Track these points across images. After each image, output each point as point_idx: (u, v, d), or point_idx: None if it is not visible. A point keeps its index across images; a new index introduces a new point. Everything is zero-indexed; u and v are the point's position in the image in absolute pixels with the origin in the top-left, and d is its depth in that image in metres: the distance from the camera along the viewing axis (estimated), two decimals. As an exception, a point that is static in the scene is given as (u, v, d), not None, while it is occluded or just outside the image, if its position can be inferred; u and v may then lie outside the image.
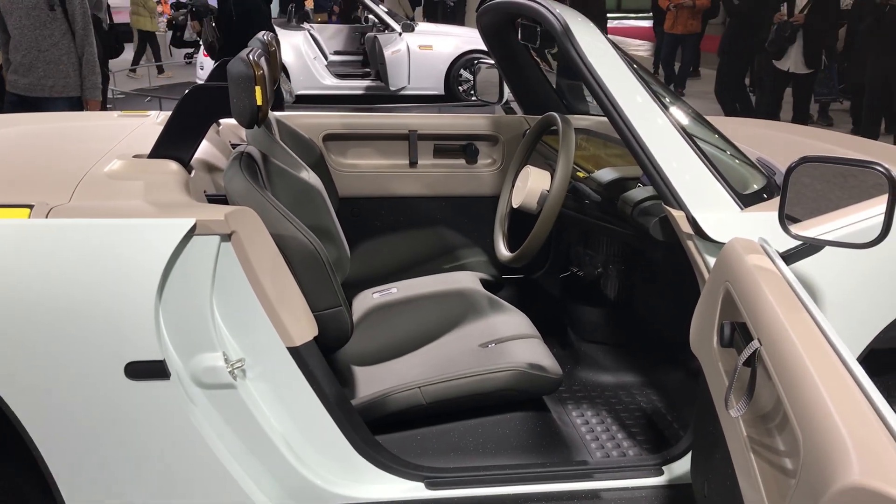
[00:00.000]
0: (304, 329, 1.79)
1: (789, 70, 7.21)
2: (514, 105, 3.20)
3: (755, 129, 3.02)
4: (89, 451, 1.69)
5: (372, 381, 2.15)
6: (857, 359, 1.84)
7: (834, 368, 1.14)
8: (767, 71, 7.68)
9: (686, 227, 1.81)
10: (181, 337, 1.69)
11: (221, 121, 2.70)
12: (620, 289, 2.57)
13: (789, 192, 1.51)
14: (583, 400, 2.43)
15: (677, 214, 1.82)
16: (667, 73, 11.30)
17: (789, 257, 1.64)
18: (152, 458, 1.71)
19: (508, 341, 2.18)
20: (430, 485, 1.90)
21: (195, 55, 11.25)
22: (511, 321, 2.30)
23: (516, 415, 2.09)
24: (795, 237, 1.54)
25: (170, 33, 12.07)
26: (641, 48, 16.36)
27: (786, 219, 1.53)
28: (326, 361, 1.84)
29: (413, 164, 3.00)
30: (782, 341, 1.22)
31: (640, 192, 2.07)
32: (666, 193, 1.82)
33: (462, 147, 3.02)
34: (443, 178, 3.01)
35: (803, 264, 1.77)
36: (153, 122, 2.53)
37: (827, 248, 1.76)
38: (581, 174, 2.43)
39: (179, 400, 1.68)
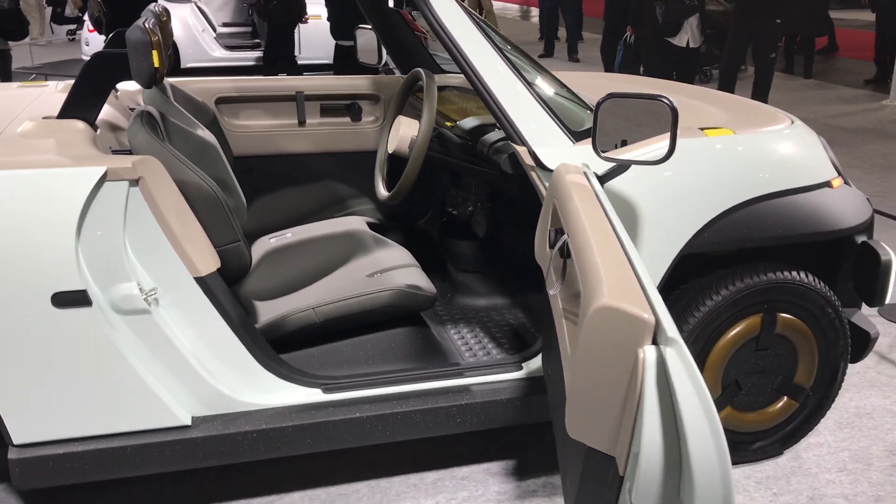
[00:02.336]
0: (208, 261, 2.08)
1: (688, 45, 7.43)
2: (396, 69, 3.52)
3: (603, 80, 3.43)
4: (26, 377, 1.94)
5: (273, 310, 2.45)
6: (672, 262, 2.26)
7: (611, 244, 1.50)
8: (653, 46, 7.81)
9: (528, 160, 2.17)
10: (99, 270, 1.95)
11: (119, 87, 2.91)
12: (489, 224, 2.94)
13: (600, 122, 1.88)
14: (459, 320, 2.79)
15: (521, 150, 2.18)
16: (549, 39, 11.76)
17: (605, 177, 2.03)
18: (82, 377, 1.97)
19: (390, 270, 2.52)
20: (326, 390, 2.22)
21: (78, 31, 11.04)
22: (393, 254, 2.64)
23: (400, 331, 2.43)
24: (605, 159, 1.93)
25: (49, 9, 11.79)
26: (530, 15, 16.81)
27: (599, 145, 1.91)
28: (231, 293, 2.13)
29: (301, 123, 3.28)
30: (579, 230, 1.58)
31: (494, 135, 2.43)
32: (511, 133, 2.18)
33: (346, 106, 3.31)
34: (330, 136, 3.31)
35: (623, 185, 2.17)
36: (53, 90, 2.74)
37: (641, 172, 2.17)
38: (449, 123, 2.77)
39: (101, 324, 1.94)
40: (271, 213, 3.26)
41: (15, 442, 2.00)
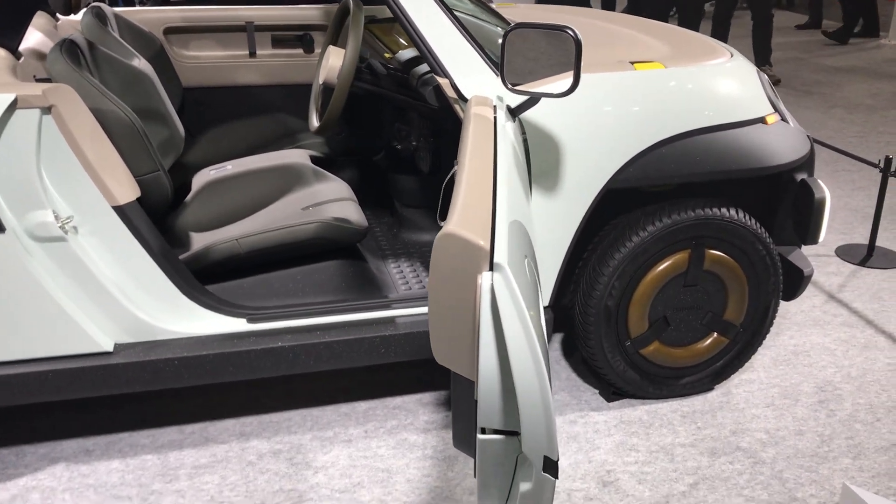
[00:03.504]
0: (127, 191, 2.09)
1: None
2: None
3: (560, 14, 3.37)
4: None
5: (204, 241, 2.47)
6: (596, 197, 2.26)
7: (483, 174, 1.48)
8: None
9: (451, 92, 2.16)
10: (13, 197, 1.96)
11: (61, 18, 2.89)
12: (431, 158, 2.93)
13: (509, 54, 1.86)
14: (401, 254, 2.81)
15: (443, 82, 2.16)
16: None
17: (518, 109, 2.01)
18: (1, 303, 2.00)
19: (326, 203, 2.52)
20: (251, 320, 2.25)
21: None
22: (331, 188, 2.64)
23: (333, 263, 2.45)
24: (512, 90, 1.91)
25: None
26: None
27: (508, 77, 1.89)
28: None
29: (252, 54, 3.26)
30: (463, 161, 1.58)
31: (424, 67, 2.41)
32: (433, 64, 2.16)
33: (298, 37, 3.28)
34: (281, 68, 3.28)
35: (544, 118, 2.16)
36: None
37: (563, 105, 2.16)
38: (388, 55, 2.74)
39: (16, 251, 1.96)
40: (221, 146, 3.26)
41: (-63, 364, 2.05)
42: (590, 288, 2.41)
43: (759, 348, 2.86)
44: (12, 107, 1.91)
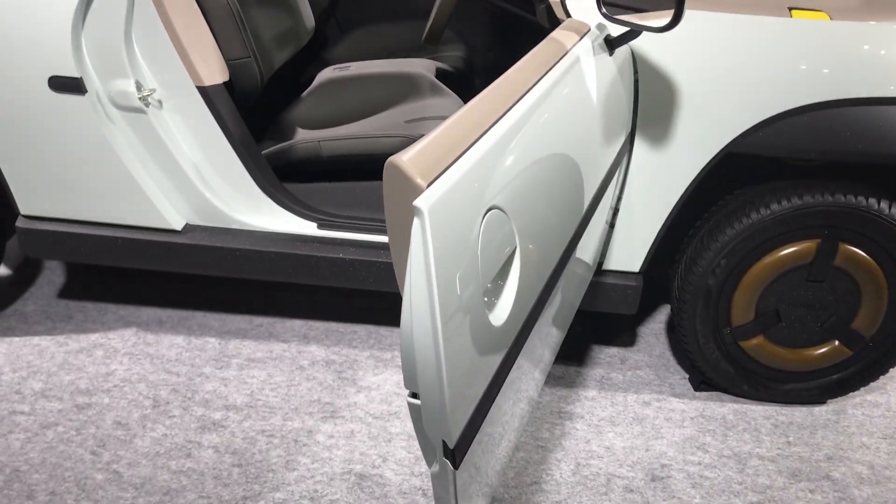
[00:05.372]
0: (215, 72, 2.05)
1: None
2: None
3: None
4: (30, 155, 2.05)
5: (301, 138, 2.41)
6: (714, 159, 1.95)
7: (492, 106, 1.24)
8: None
9: (560, 13, 1.92)
10: (99, 61, 1.98)
11: None
12: None
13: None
14: None
15: (553, 1, 1.92)
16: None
17: (616, 40, 1.74)
18: (78, 164, 2.06)
19: (429, 120, 2.38)
20: (321, 225, 2.18)
21: None
22: (442, 104, 2.48)
23: None
24: (605, 16, 1.65)
25: None
26: None
27: (603, 2, 1.63)
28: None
29: None
30: (489, 87, 1.36)
31: None
32: None
33: None
34: None
35: (664, 58, 1.87)
36: None
37: (692, 45, 1.86)
38: None
39: (97, 115, 1.99)
40: (368, 45, 3.17)
41: (22, 212, 2.15)
42: (692, 261, 2.12)
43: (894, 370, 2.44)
44: (106, -29, 1.90)
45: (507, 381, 1.22)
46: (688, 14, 1.90)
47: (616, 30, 1.78)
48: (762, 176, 2.13)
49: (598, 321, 2.55)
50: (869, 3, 2.10)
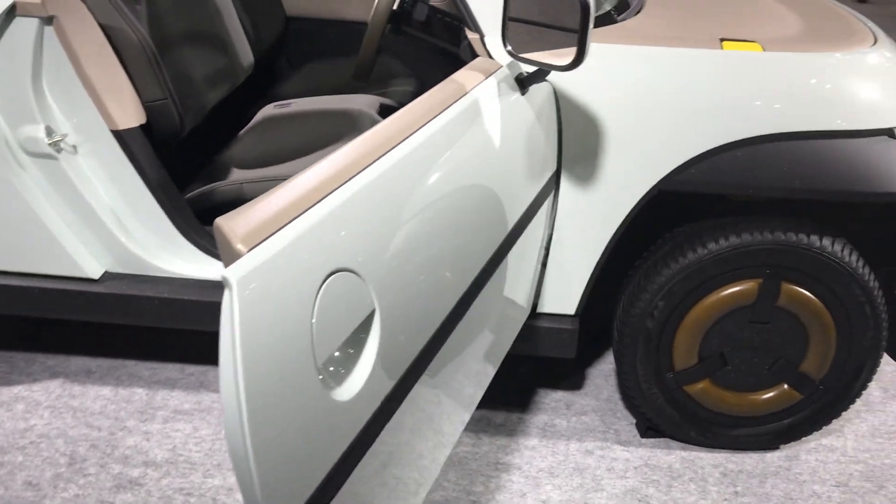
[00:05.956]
0: (130, 115, 1.98)
1: None
2: None
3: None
4: None
5: (239, 178, 2.33)
6: (644, 197, 1.87)
7: (355, 158, 1.15)
8: None
9: (480, 50, 1.84)
10: (6, 106, 1.91)
11: None
12: None
13: (511, 10, 1.53)
14: None
15: (473, 37, 1.85)
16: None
17: (527, 79, 1.66)
18: None
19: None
20: None
21: None
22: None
23: None
24: (510, 54, 1.57)
25: None
26: None
27: (506, 38, 1.56)
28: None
29: None
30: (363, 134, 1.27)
31: None
32: (466, 16, 1.84)
33: None
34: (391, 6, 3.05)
35: (587, 95, 1.79)
36: None
37: (617, 81, 1.79)
38: None
39: (5, 162, 1.92)
40: (316, 81, 3.11)
41: (-67, 262, 2.08)
42: (630, 303, 2.02)
43: (865, 413, 2.33)
44: (11, 13, 1.84)
45: (370, 453, 1.12)
46: (614, 48, 1.84)
47: (528, 68, 1.71)
48: (707, 213, 2.05)
49: (545, 364, 2.45)
50: (804, 33, 2.03)
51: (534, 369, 2.43)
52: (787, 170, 1.81)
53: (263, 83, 3.11)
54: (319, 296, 0.96)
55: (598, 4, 2.25)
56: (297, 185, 1.04)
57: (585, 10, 1.41)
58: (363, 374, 1.05)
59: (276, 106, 2.68)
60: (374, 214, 1.11)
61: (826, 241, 1.90)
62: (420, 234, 1.21)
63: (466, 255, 1.41)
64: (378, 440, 1.13)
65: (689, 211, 2.05)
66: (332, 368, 1.02)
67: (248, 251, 0.91)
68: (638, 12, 2.11)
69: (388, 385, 1.12)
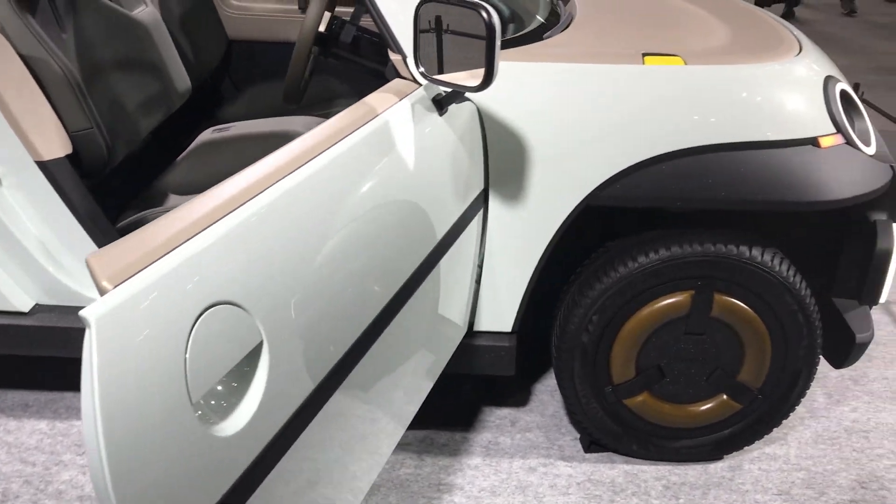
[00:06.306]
0: (54, 146, 1.95)
1: None
2: None
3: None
4: None
5: (172, 204, 2.31)
6: (572, 213, 1.87)
7: (237, 191, 1.14)
8: None
9: (403, 70, 1.84)
10: None
11: None
12: None
13: (421, 32, 1.52)
14: None
15: (395, 58, 1.84)
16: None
17: (444, 100, 1.66)
18: None
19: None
20: None
21: None
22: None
23: None
24: (422, 75, 1.57)
25: None
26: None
27: (419, 60, 1.55)
28: (80, 182, 2.00)
29: (303, 9, 3.05)
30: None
31: None
32: (387, 37, 1.84)
33: None
34: None
35: (511, 113, 1.79)
36: None
37: (540, 100, 1.80)
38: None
39: (-74, 197, 1.89)
40: (260, 103, 3.10)
41: None
42: (566, 319, 2.02)
43: (809, 419, 2.34)
44: (-73, 46, 1.81)
45: (263, 487, 1.10)
46: (538, 66, 1.84)
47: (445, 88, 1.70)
48: (647, 227, 2.05)
49: (490, 382, 2.44)
50: (728, 45, 2.04)
51: (479, 387, 2.42)
52: (712, 181, 1.82)
53: (207, 106, 3.09)
54: (194, 330, 0.95)
55: (530, 18, 2.26)
56: (179, 217, 1.03)
57: (491, 30, 1.41)
58: (251, 407, 1.04)
59: (214, 130, 2.66)
60: (263, 244, 1.10)
61: (756, 252, 1.91)
62: (319, 262, 1.20)
63: (378, 278, 1.40)
64: (277, 470, 1.11)
65: (629, 225, 2.05)
66: (213, 402, 1.00)
67: (113, 288, 0.89)
68: (566, 28, 2.12)
69: (283, 416, 1.10)
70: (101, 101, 2.15)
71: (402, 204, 1.47)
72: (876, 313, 2.87)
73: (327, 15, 2.16)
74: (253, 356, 1.05)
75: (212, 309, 0.98)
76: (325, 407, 1.23)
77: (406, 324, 1.54)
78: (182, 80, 2.59)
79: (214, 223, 1.04)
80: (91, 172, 2.11)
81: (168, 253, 0.96)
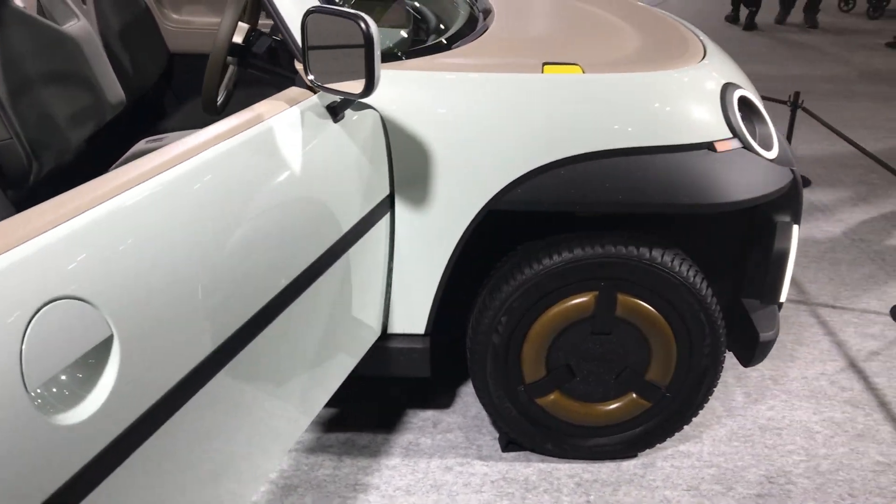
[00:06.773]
0: (-27, 155, 2.01)
1: None
2: None
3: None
4: None
5: None
6: (476, 217, 1.92)
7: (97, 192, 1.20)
8: None
9: (306, 79, 1.89)
10: None
11: None
12: None
13: (310, 41, 1.58)
14: None
15: (299, 67, 1.90)
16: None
17: (339, 107, 1.72)
18: None
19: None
20: None
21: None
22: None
23: None
24: (312, 83, 1.62)
25: None
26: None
27: (308, 67, 1.61)
28: (2, 194, 2.05)
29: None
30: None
31: None
32: (292, 49, 1.90)
33: None
34: None
35: (414, 121, 1.85)
36: None
37: (441, 108, 1.86)
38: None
39: None
40: (198, 114, 3.15)
41: None
42: (477, 320, 2.08)
43: (725, 418, 2.40)
44: None
45: (116, 474, 1.14)
46: (439, 76, 1.90)
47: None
48: (557, 230, 2.11)
49: (414, 384, 2.49)
50: (632, 53, 2.11)
51: (404, 390, 2.47)
52: (610, 185, 1.89)
53: (148, 118, 3.14)
54: (33, 322, 0.99)
55: (446, 29, 2.33)
56: (30, 216, 1.08)
57: (369, 41, 1.47)
58: (99, 398, 1.08)
59: (147, 141, 2.71)
60: (120, 242, 1.14)
61: (656, 253, 1.97)
62: (185, 259, 1.25)
63: (256, 276, 1.44)
64: (134, 458, 1.16)
65: (542, 228, 2.11)
66: (55, 390, 1.05)
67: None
68: (478, 37, 2.19)
69: (139, 408, 1.15)
70: (25, 113, 2.20)
71: (286, 206, 1.51)
72: (801, 315, 2.94)
73: (246, 27, 2.21)
74: (102, 349, 1.10)
75: (53, 303, 1.03)
76: (194, 399, 1.28)
77: (297, 321, 1.59)
78: (115, 92, 2.64)
79: (64, 222, 1.09)
80: (14, 183, 2.15)
81: (9, 251, 1.01)
